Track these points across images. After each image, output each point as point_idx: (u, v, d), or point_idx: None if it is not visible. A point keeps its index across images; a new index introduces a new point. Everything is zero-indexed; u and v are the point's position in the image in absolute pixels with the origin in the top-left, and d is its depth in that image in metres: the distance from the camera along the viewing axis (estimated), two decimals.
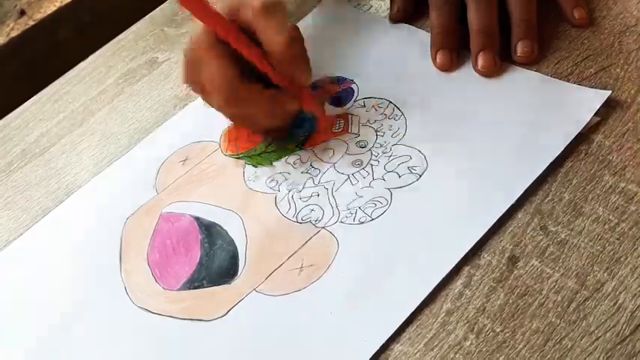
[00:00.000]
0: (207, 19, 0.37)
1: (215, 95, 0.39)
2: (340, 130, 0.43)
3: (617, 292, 0.32)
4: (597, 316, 0.32)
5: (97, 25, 0.67)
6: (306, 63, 0.40)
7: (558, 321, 0.32)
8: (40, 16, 1.36)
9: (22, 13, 1.38)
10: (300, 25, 0.50)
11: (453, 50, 0.44)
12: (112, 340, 0.36)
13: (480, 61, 0.43)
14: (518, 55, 0.43)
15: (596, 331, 0.31)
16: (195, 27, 0.39)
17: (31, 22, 1.36)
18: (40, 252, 0.42)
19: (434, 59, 0.44)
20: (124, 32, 0.56)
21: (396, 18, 0.48)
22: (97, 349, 0.36)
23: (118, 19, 0.58)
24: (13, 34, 1.31)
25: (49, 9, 1.33)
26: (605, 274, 0.33)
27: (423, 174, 0.39)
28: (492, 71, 0.43)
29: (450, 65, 0.44)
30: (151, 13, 0.57)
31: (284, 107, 0.40)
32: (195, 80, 0.40)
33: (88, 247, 0.41)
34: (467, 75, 0.44)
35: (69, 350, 0.36)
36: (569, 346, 0.31)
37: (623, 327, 0.31)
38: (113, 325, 0.37)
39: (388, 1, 0.49)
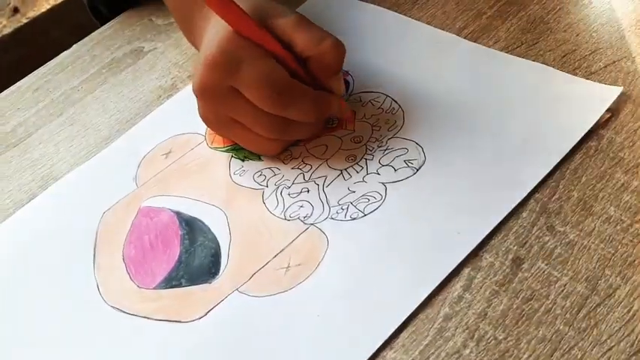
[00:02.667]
0: (240, 21, 0.35)
1: (265, 93, 0.35)
2: (334, 125, 0.41)
3: (632, 298, 0.30)
4: (609, 323, 0.29)
5: (90, 25, 0.64)
6: (341, 75, 0.39)
7: (567, 329, 0.29)
8: (33, 14, 1.34)
9: (16, 10, 1.36)
10: None
11: None
12: (82, 342, 0.33)
13: None
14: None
15: (608, 341, 0.29)
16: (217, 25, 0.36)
17: (24, 20, 1.34)
18: (11, 247, 0.39)
19: None
20: (111, 21, 0.54)
21: None
22: (66, 352, 0.33)
23: (108, 20, 0.56)
24: (6, 31, 1.29)
25: (43, 7, 1.31)
26: (618, 279, 0.30)
27: (420, 168, 0.37)
28: None
29: None
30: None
31: (330, 107, 0.38)
32: (223, 82, 0.36)
33: (61, 242, 0.38)
34: (469, 66, 0.41)
35: (34, 351, 0.33)
36: (578, 357, 0.28)
37: (638, 336, 0.29)
38: (83, 326, 0.34)
39: None
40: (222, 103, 0.37)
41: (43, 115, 0.47)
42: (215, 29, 0.36)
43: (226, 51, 0.35)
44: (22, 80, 0.51)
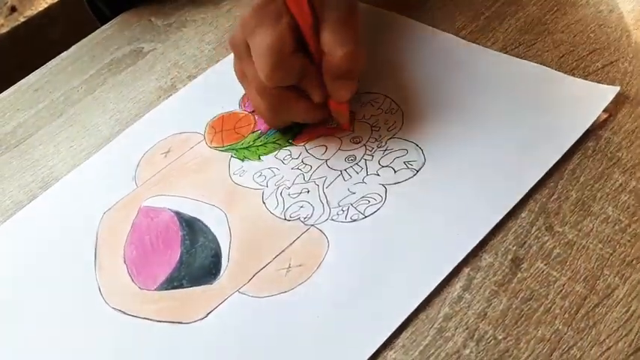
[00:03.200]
0: None
1: (264, 58, 0.36)
2: (334, 126, 0.41)
3: (630, 298, 0.30)
4: (608, 323, 0.29)
5: (88, 24, 0.64)
6: (351, 84, 0.38)
7: (566, 329, 0.30)
8: (30, 13, 1.34)
9: (13, 9, 1.36)
10: None
11: None
12: (84, 344, 0.33)
13: None
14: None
15: (607, 340, 0.29)
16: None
17: (22, 19, 1.33)
18: (11, 250, 0.39)
19: None
20: (110, 22, 0.54)
21: None
22: (67, 353, 0.33)
23: (108, 18, 0.56)
24: (3, 30, 1.29)
25: (40, 6, 1.31)
26: (616, 279, 0.31)
27: (420, 169, 0.37)
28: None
29: None
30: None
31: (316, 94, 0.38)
32: (243, 39, 0.37)
33: (62, 243, 0.38)
34: (468, 67, 0.41)
35: (35, 353, 0.34)
36: (577, 356, 0.29)
37: (637, 336, 0.29)
38: (85, 328, 0.34)
39: None
40: (240, 59, 0.39)
41: (43, 116, 0.47)
42: None
43: (256, 12, 0.37)
44: (21, 81, 0.51)
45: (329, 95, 0.38)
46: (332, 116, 0.40)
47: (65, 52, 0.52)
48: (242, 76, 0.40)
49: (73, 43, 0.53)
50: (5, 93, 0.50)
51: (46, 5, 1.23)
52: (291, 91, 0.38)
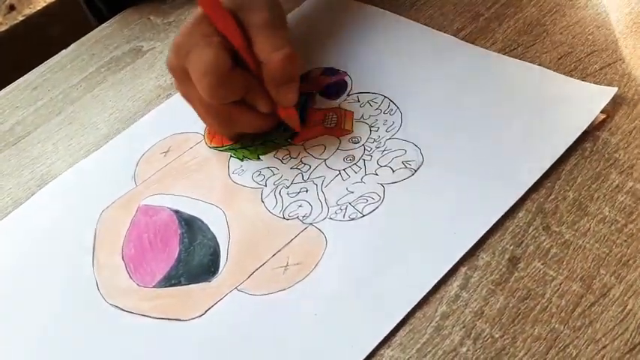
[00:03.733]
0: (210, 6, 0.36)
1: (204, 79, 0.36)
2: (333, 125, 0.41)
3: (626, 297, 0.30)
4: (604, 322, 0.30)
5: (86, 22, 0.64)
6: (294, 87, 0.38)
7: (562, 327, 0.30)
8: (29, 11, 1.33)
9: (12, 8, 1.36)
10: (293, 14, 0.48)
11: None
12: (81, 340, 0.33)
13: None
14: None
15: (602, 339, 0.29)
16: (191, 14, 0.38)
17: (21, 18, 1.33)
18: (9, 245, 0.39)
19: None
20: (109, 20, 0.54)
21: None
22: (65, 350, 0.33)
23: (107, 18, 0.56)
24: (2, 29, 1.29)
25: (39, 5, 1.31)
26: (613, 278, 0.31)
27: (418, 169, 0.37)
28: None
29: None
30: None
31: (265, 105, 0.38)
32: (179, 64, 0.37)
33: (60, 240, 0.38)
34: (467, 67, 0.42)
35: (33, 349, 0.34)
36: (573, 355, 0.29)
37: (632, 334, 0.29)
38: (82, 324, 0.34)
39: None
40: (180, 83, 0.39)
41: (42, 114, 0.47)
42: (193, 14, 0.38)
43: (185, 35, 0.37)
44: (20, 78, 0.51)
45: (275, 102, 0.38)
46: (329, 115, 0.41)
47: (64, 50, 0.52)
48: (188, 99, 0.40)
49: (72, 42, 0.53)
50: (4, 91, 0.50)
51: (44, 4, 1.24)
52: (236, 105, 0.38)
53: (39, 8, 1.19)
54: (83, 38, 0.53)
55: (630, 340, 0.29)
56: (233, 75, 0.36)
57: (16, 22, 1.21)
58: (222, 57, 0.36)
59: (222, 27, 0.36)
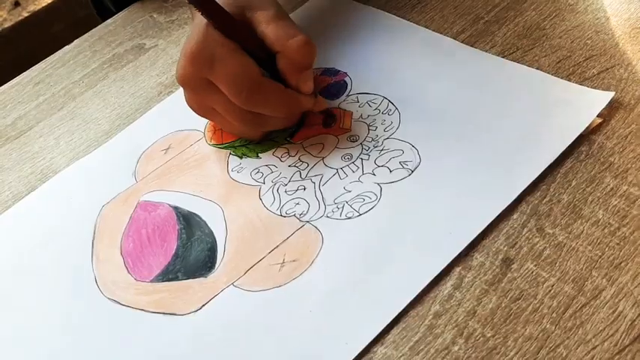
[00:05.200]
0: (213, 13, 0.36)
1: (236, 90, 0.36)
2: (332, 125, 0.41)
3: (617, 300, 0.30)
4: (595, 323, 0.30)
5: (90, 19, 0.65)
6: (311, 74, 0.39)
7: (553, 328, 0.30)
8: (33, 8, 1.34)
9: (17, 4, 1.36)
10: (294, 15, 0.49)
11: None
12: (79, 334, 0.34)
13: None
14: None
15: (593, 340, 0.29)
16: (193, 19, 0.38)
17: (25, 14, 1.34)
18: (9, 239, 0.39)
19: None
20: (113, 17, 0.55)
21: None
22: (63, 343, 0.34)
23: (110, 14, 0.57)
24: (7, 25, 1.29)
25: (44, 1, 1.31)
26: (604, 280, 0.31)
27: (415, 169, 0.37)
28: None
29: None
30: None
31: (300, 104, 0.39)
32: (196, 74, 0.37)
33: (60, 234, 0.39)
34: (466, 70, 0.42)
35: (31, 343, 0.34)
36: (563, 355, 0.29)
37: (622, 336, 0.29)
38: (80, 317, 0.34)
39: None
40: (200, 93, 0.38)
41: (43, 109, 0.48)
42: (196, 22, 0.37)
43: (202, 45, 0.36)
44: (23, 74, 0.51)
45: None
46: (328, 116, 0.41)
47: (67, 46, 0.53)
48: (205, 109, 0.39)
49: (76, 38, 0.53)
50: (6, 85, 0.51)
51: (49, 0, 1.24)
52: None
53: (43, 5, 1.20)
54: (86, 35, 0.53)
55: (620, 341, 0.29)
56: (263, 80, 0.37)
57: (20, 18, 1.21)
58: (250, 64, 0.36)
59: (231, 33, 0.36)
